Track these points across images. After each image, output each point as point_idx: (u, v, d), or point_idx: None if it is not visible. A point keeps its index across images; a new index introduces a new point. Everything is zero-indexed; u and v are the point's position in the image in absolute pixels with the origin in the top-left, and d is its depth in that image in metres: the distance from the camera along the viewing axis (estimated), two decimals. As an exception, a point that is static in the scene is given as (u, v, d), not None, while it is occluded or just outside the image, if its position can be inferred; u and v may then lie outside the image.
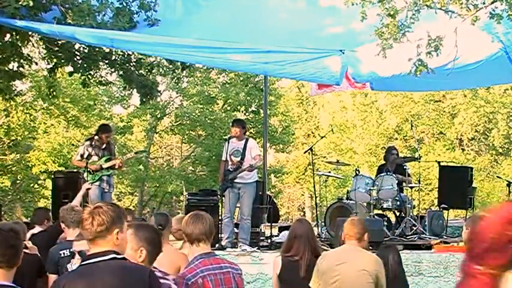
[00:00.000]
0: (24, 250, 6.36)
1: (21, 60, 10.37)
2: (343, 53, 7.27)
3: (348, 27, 8.04)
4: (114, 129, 22.47)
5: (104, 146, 10.50)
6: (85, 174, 10.27)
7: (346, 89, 12.60)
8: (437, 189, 12.54)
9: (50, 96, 13.30)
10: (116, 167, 10.63)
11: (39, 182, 22.95)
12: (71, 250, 5.75)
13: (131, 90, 12.70)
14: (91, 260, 3.44)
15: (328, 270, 5.57)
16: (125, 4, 8.81)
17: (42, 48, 10.93)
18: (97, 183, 10.28)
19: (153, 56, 10.19)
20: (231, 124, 10.75)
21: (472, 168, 12.32)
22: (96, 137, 10.58)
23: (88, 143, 10.54)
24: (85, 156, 10.29)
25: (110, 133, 10.80)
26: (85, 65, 10.07)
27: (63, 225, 6.16)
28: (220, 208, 10.32)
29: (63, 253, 5.82)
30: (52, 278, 5.84)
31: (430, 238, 10.23)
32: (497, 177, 18.89)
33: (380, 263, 5.74)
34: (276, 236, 10.70)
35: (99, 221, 3.44)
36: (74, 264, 5.72)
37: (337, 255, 5.73)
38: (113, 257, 3.45)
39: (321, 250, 6.13)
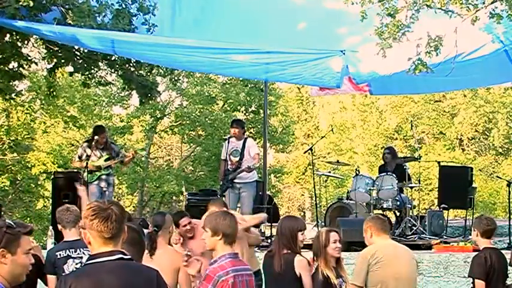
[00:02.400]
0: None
1: (21, 60, 10.37)
2: (344, 53, 7.25)
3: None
4: (107, 129, 22.47)
5: (102, 146, 10.53)
6: (85, 174, 10.31)
7: (349, 92, 12.53)
8: (437, 189, 12.54)
9: (50, 96, 13.30)
10: (126, 159, 10.71)
11: (39, 182, 22.95)
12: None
13: (130, 90, 12.69)
14: (97, 259, 3.37)
15: (387, 264, 5.70)
16: (124, 6, 8.81)
17: (43, 48, 10.93)
18: (96, 182, 10.33)
19: (154, 63, 10.10)
20: (230, 124, 10.77)
21: (472, 168, 12.31)
22: (96, 137, 10.62)
23: (86, 144, 10.59)
24: (83, 157, 10.33)
25: (104, 133, 10.82)
26: (85, 65, 10.08)
27: (59, 227, 6.15)
28: (220, 208, 10.33)
29: (60, 254, 5.82)
30: (50, 278, 5.84)
31: (430, 238, 10.23)
32: (497, 177, 18.91)
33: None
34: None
35: (117, 220, 3.38)
36: (71, 265, 5.72)
37: (389, 249, 5.85)
38: (120, 257, 3.40)
39: (298, 248, 6.14)
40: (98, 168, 10.33)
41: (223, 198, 10.28)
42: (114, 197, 23.43)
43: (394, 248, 5.89)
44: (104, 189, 10.44)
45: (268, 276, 6.03)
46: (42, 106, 22.43)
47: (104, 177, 10.42)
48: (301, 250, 6.01)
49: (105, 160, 10.43)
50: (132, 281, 3.39)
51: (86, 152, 10.40)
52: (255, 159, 10.09)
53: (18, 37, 9.79)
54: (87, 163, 10.15)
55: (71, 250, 5.80)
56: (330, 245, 6.10)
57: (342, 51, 7.24)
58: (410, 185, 11.16)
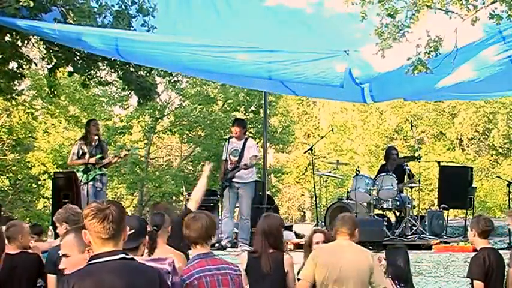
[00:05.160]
0: (24, 250, 6.44)
1: (21, 61, 10.37)
2: (348, 53, 7.22)
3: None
4: (106, 128, 22.58)
5: (96, 143, 10.57)
6: (78, 174, 10.34)
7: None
8: (437, 189, 12.55)
9: (51, 96, 13.31)
10: (114, 161, 10.75)
11: (39, 182, 22.95)
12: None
13: (130, 91, 12.68)
14: (99, 259, 3.39)
15: (327, 264, 5.61)
16: (123, 7, 8.82)
17: (43, 48, 10.93)
18: (91, 182, 10.36)
19: (157, 66, 10.04)
20: (231, 123, 10.78)
21: (472, 168, 12.31)
22: (94, 137, 10.64)
23: (81, 141, 10.63)
24: (79, 154, 10.38)
25: (94, 121, 11.01)
26: (85, 65, 10.08)
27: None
28: (220, 208, 10.34)
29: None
30: (50, 277, 5.85)
31: (430, 238, 10.24)
32: (497, 177, 18.90)
33: (374, 258, 5.83)
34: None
35: (115, 220, 3.40)
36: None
37: (335, 250, 5.74)
38: (122, 257, 3.42)
39: (284, 246, 6.12)
40: (100, 159, 10.38)
41: (223, 198, 10.30)
42: (114, 198, 23.49)
43: (340, 250, 5.73)
44: (98, 189, 10.49)
45: (254, 277, 5.94)
46: (43, 106, 22.43)
47: (98, 177, 10.48)
48: (296, 251, 6.01)
49: (99, 159, 10.48)
50: (135, 281, 3.39)
51: (81, 149, 10.46)
52: (252, 160, 10.13)
53: (18, 37, 9.78)
54: (88, 159, 10.21)
55: None
56: (313, 246, 6.10)
57: (345, 51, 7.21)
58: (410, 185, 11.16)
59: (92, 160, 10.31)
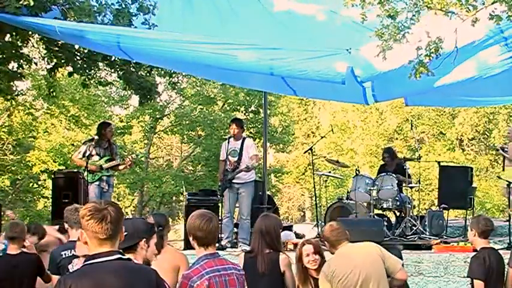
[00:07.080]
0: (23, 250, 6.45)
1: (21, 61, 10.37)
2: (350, 52, 7.21)
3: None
4: (115, 127, 22.48)
5: (106, 145, 10.54)
6: (85, 174, 10.32)
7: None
8: (437, 189, 12.55)
9: (50, 96, 13.31)
10: (121, 167, 10.73)
11: (40, 182, 22.96)
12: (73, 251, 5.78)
13: (130, 91, 12.68)
14: (96, 260, 3.39)
15: (344, 275, 5.57)
16: (124, 6, 8.82)
17: (43, 48, 10.92)
18: (96, 182, 10.34)
19: (159, 64, 9.98)
20: (230, 122, 10.78)
21: (472, 168, 12.31)
22: (96, 137, 10.61)
23: (91, 142, 10.58)
24: (86, 155, 10.32)
25: (111, 126, 10.88)
26: (85, 66, 10.08)
27: (66, 226, 6.17)
28: (220, 208, 10.34)
29: (65, 254, 5.84)
30: (55, 278, 5.86)
31: (430, 238, 10.23)
32: (498, 177, 18.92)
33: (379, 247, 5.81)
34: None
35: (113, 221, 3.40)
36: (76, 264, 5.74)
37: (343, 258, 5.69)
38: (119, 257, 3.42)
39: (282, 246, 6.09)
40: (100, 168, 10.34)
41: (223, 199, 10.31)
42: (114, 198, 23.52)
43: (349, 256, 5.70)
44: (104, 189, 10.46)
45: (250, 277, 5.92)
46: (43, 106, 22.44)
47: (104, 177, 10.43)
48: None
49: (106, 161, 10.44)
50: (132, 281, 3.40)
51: (89, 150, 10.39)
52: (253, 160, 10.11)
53: (18, 37, 9.78)
54: (87, 162, 10.15)
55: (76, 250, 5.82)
56: (303, 258, 6.00)
57: (347, 49, 7.20)
58: (410, 185, 11.16)
59: (93, 167, 10.27)
